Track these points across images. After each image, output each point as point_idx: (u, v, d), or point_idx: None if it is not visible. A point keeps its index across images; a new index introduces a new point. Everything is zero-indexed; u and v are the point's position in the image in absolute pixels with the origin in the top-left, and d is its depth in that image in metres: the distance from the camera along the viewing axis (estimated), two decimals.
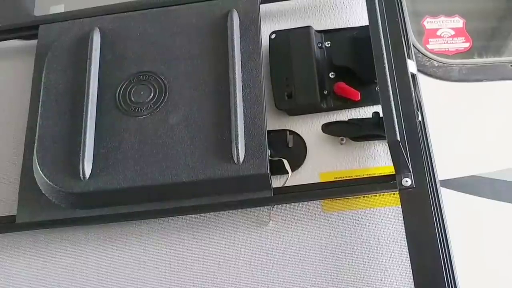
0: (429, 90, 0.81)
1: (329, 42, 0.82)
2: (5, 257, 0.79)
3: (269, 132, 0.74)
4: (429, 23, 0.97)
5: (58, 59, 0.82)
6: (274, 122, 0.79)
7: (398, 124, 0.66)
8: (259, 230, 0.74)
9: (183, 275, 0.74)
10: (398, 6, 0.77)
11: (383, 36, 0.72)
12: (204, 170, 0.72)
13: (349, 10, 0.86)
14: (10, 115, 0.87)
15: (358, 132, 0.76)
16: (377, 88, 0.71)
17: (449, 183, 0.80)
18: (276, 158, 0.75)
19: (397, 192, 0.68)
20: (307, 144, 0.78)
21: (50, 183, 0.74)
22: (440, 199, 0.70)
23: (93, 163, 0.74)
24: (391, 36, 0.73)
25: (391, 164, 0.68)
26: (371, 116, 0.74)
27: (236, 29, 0.79)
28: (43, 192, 0.75)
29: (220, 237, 0.75)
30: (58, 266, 0.77)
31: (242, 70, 0.76)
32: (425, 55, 0.89)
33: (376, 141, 0.77)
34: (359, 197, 0.74)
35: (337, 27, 0.83)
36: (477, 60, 0.92)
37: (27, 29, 0.90)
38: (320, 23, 0.85)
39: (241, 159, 0.71)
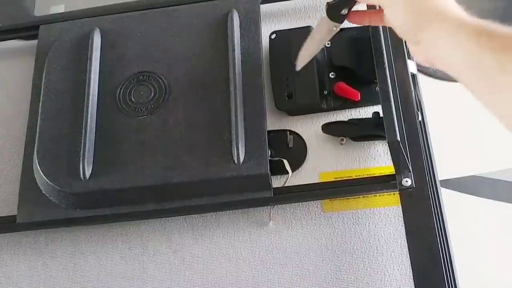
0: (429, 90, 0.81)
1: (329, 42, 0.82)
2: (5, 257, 0.79)
3: (269, 132, 0.74)
4: None
5: (58, 59, 0.82)
6: (274, 122, 0.79)
7: (398, 124, 0.66)
8: (259, 230, 0.74)
9: (184, 274, 0.74)
10: None
11: (383, 36, 0.72)
12: (204, 170, 0.72)
13: None
14: (10, 115, 0.87)
15: (358, 132, 0.76)
16: (377, 88, 0.71)
17: (449, 183, 0.80)
18: (276, 158, 0.75)
19: (397, 192, 0.68)
20: (307, 144, 0.78)
21: (50, 183, 0.74)
22: (440, 199, 0.70)
23: (93, 163, 0.74)
24: (391, 36, 0.73)
25: (391, 164, 0.69)
26: (371, 116, 0.74)
27: (236, 29, 0.79)
28: (43, 192, 0.75)
29: (220, 237, 0.75)
30: (58, 266, 0.77)
31: (242, 70, 0.76)
32: None
33: (376, 141, 0.77)
34: (359, 197, 0.74)
35: None
36: None
37: (27, 29, 0.90)
38: None
39: (241, 159, 0.71)
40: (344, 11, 0.65)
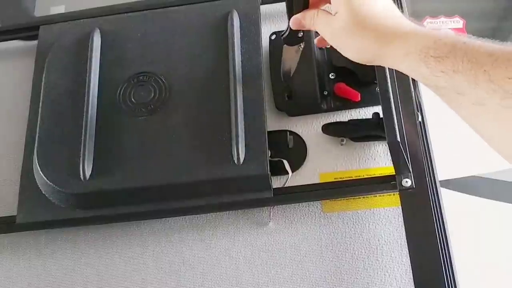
0: (429, 90, 0.81)
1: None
2: (5, 258, 0.79)
3: (269, 132, 0.74)
4: (429, 23, 0.97)
5: (58, 60, 0.82)
6: (274, 123, 0.79)
7: (398, 125, 0.67)
8: (260, 230, 0.74)
9: (184, 274, 0.74)
10: (398, 6, 0.77)
11: None
12: (204, 170, 0.72)
13: None
14: (10, 116, 0.87)
15: (358, 132, 0.76)
16: (377, 88, 0.71)
17: (449, 183, 0.80)
18: (276, 159, 0.75)
19: (397, 192, 0.68)
20: (307, 145, 0.78)
21: (50, 183, 0.74)
22: (440, 199, 0.70)
23: (93, 163, 0.74)
24: None
25: (391, 164, 0.69)
26: (371, 117, 0.74)
27: (237, 30, 0.79)
28: (43, 192, 0.75)
29: (221, 237, 0.75)
30: (59, 267, 0.77)
31: (242, 70, 0.76)
32: None
33: (376, 141, 0.77)
34: (359, 198, 0.74)
35: None
36: None
37: (28, 29, 0.90)
38: None
39: (241, 160, 0.71)
40: (300, 34, 0.69)
